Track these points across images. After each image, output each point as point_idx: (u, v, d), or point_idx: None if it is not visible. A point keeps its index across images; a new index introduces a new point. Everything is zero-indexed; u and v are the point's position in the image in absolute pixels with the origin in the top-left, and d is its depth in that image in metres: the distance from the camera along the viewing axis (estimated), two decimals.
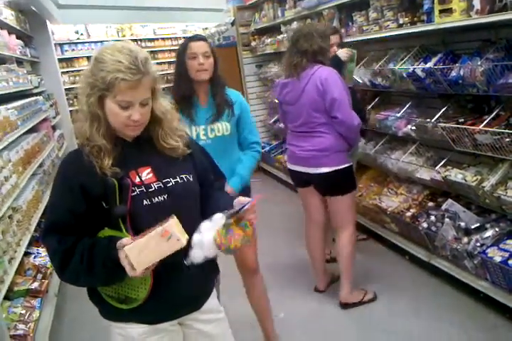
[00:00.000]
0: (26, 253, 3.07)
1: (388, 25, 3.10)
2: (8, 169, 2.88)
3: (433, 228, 2.84)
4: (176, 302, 1.39)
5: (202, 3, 9.56)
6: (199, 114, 2.21)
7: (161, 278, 1.30)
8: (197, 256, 1.27)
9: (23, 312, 2.56)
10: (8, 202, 2.69)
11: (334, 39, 3.00)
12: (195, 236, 1.27)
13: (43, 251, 3.26)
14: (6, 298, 2.54)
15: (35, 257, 3.16)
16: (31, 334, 2.43)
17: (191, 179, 1.43)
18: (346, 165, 2.67)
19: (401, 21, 2.97)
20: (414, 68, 2.88)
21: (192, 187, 1.43)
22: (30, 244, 3.15)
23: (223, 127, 2.24)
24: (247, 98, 5.90)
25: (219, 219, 1.29)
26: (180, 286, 1.38)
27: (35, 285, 2.85)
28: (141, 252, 1.17)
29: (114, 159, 1.31)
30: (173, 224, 1.18)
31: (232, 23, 6.10)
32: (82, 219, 1.30)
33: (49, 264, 3.14)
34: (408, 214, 3.06)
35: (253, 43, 5.91)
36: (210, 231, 1.27)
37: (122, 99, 1.25)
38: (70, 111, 6.73)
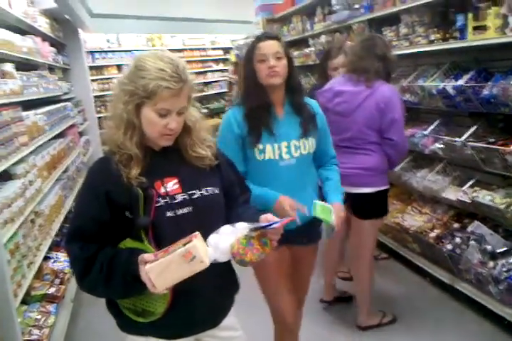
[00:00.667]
0: (45, 258, 3.09)
1: (419, 41, 3.07)
2: (33, 173, 2.92)
3: (457, 250, 2.75)
4: (194, 318, 1.37)
5: (231, 15, 9.71)
6: (278, 128, 1.88)
7: (180, 294, 1.28)
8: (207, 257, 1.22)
9: (39, 317, 2.57)
10: (31, 206, 2.72)
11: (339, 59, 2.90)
12: (213, 237, 1.26)
13: (62, 255, 3.28)
14: (23, 302, 2.55)
15: (54, 262, 3.18)
16: (45, 340, 2.43)
17: (217, 192, 1.41)
18: (386, 188, 2.57)
19: (432, 37, 2.94)
20: (445, 85, 2.83)
21: (217, 200, 1.41)
22: (50, 249, 3.17)
23: (310, 143, 1.93)
24: None
25: (242, 228, 1.27)
26: (200, 302, 1.36)
27: (52, 290, 2.87)
28: (162, 272, 1.14)
29: (142, 168, 1.31)
30: (197, 246, 1.14)
31: None
32: (105, 227, 1.29)
33: (67, 269, 3.16)
34: (432, 234, 2.98)
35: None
36: (229, 236, 1.26)
37: (162, 107, 1.26)
38: (98, 117, 6.85)
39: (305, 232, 1.99)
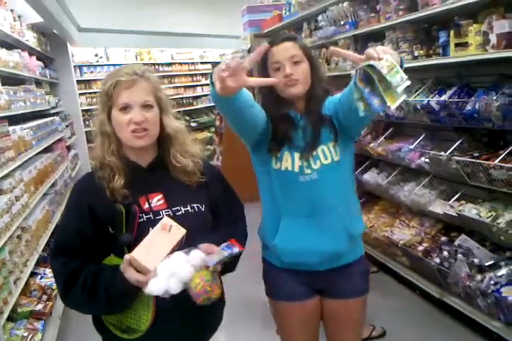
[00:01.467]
0: (33, 274, 3.05)
1: (403, 57, 3.12)
2: (19, 188, 2.90)
3: (445, 264, 2.76)
4: (178, 335, 1.36)
5: (219, 30, 9.80)
6: (300, 136, 1.58)
7: (163, 312, 1.28)
8: (158, 286, 1.13)
9: (25, 334, 2.53)
10: (17, 222, 2.70)
11: None
12: (166, 263, 1.15)
13: (49, 271, 3.24)
14: (10, 319, 2.51)
15: (41, 278, 3.14)
16: None
17: (203, 209, 1.39)
18: None
19: (416, 53, 3.00)
20: (429, 100, 2.88)
21: (202, 218, 1.39)
22: (37, 264, 3.13)
23: (329, 150, 1.57)
24: None
25: (197, 258, 1.18)
26: (184, 320, 1.35)
27: (40, 307, 2.83)
28: (148, 251, 1.15)
29: (126, 183, 1.31)
30: (168, 219, 1.21)
31: (249, 51, 6.19)
32: (89, 242, 1.29)
33: (54, 286, 3.12)
34: (420, 248, 3.00)
35: None
36: (185, 265, 1.16)
37: (121, 101, 1.29)
38: (86, 131, 6.83)
39: (343, 279, 1.67)
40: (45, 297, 2.97)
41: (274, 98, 1.58)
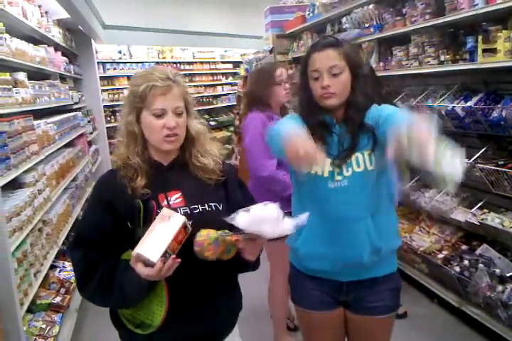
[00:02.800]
0: (52, 267, 3.09)
1: (429, 62, 3.09)
2: (42, 182, 2.94)
3: (466, 273, 2.72)
4: (192, 333, 1.36)
5: (241, 30, 9.82)
6: (336, 142, 1.54)
7: (177, 307, 1.29)
8: (243, 220, 1.19)
9: (44, 326, 2.56)
10: (39, 215, 2.73)
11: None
12: (256, 205, 1.22)
13: (68, 265, 3.29)
14: (29, 310, 2.55)
15: (60, 271, 3.18)
16: None
17: (220, 208, 1.39)
18: None
19: (442, 58, 2.96)
20: (454, 106, 2.85)
21: (219, 217, 1.35)
22: (56, 258, 3.18)
23: (364, 158, 1.51)
24: None
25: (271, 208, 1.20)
26: (197, 320, 1.35)
27: (58, 299, 2.86)
28: (150, 245, 1.17)
29: (147, 181, 1.33)
30: (166, 209, 1.23)
31: (271, 51, 6.19)
32: (108, 236, 1.31)
33: (73, 279, 3.15)
34: (440, 256, 2.96)
35: (290, 71, 5.97)
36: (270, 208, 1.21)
37: (155, 107, 1.31)
38: (107, 127, 6.91)
39: (370, 295, 1.59)
40: (63, 290, 3.01)
41: (312, 104, 1.54)
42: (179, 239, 1.20)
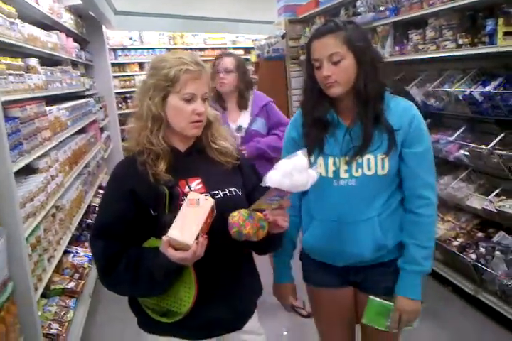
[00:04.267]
0: (65, 252, 3.12)
1: (446, 45, 3.01)
2: (55, 168, 2.95)
3: (482, 260, 2.69)
4: (217, 319, 1.35)
5: (253, 15, 9.70)
6: (340, 140, 1.48)
7: (203, 295, 1.28)
8: (274, 177, 1.19)
9: (58, 311, 2.59)
10: (52, 201, 2.74)
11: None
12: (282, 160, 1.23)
13: (81, 250, 3.31)
14: (43, 295, 2.57)
15: (73, 256, 3.21)
16: (64, 335, 2.45)
17: (240, 193, 1.40)
18: None
19: (460, 42, 2.89)
20: (472, 91, 2.78)
21: (239, 201, 1.38)
22: (69, 243, 3.20)
23: (376, 162, 1.45)
24: (291, 111, 5.87)
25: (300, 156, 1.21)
26: (223, 304, 1.35)
27: (72, 285, 2.89)
28: (182, 228, 1.17)
29: (168, 168, 1.32)
30: (193, 193, 1.23)
31: (283, 36, 6.11)
32: (129, 225, 1.30)
33: (86, 264, 3.18)
34: (455, 243, 2.93)
35: (302, 57, 5.89)
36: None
37: (187, 91, 1.30)
38: (119, 114, 6.91)
39: (377, 275, 1.57)
40: (77, 275, 3.04)
41: (316, 94, 1.49)
42: (208, 222, 1.21)
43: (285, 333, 2.70)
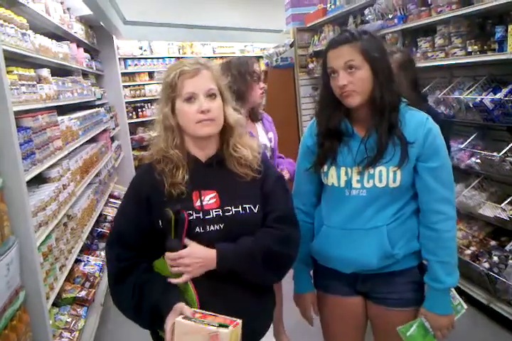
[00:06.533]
0: (76, 261, 3.13)
1: (455, 53, 3.01)
2: (66, 177, 2.97)
3: (495, 269, 2.66)
4: None
5: (262, 24, 9.76)
6: (354, 150, 1.47)
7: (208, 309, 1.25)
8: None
9: (69, 320, 2.60)
10: (64, 210, 2.76)
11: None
12: None
13: (92, 259, 3.32)
14: (54, 304, 2.58)
15: (84, 265, 3.22)
16: None
17: (255, 211, 1.34)
18: None
19: (469, 49, 2.88)
20: (483, 98, 2.77)
21: (252, 219, 1.33)
22: (81, 252, 3.21)
23: (387, 174, 1.43)
24: (300, 120, 5.87)
25: None
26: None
27: (83, 293, 2.90)
28: (185, 334, 1.15)
29: (185, 176, 1.31)
30: (228, 335, 1.11)
31: (291, 45, 6.14)
32: (144, 233, 1.30)
33: (97, 273, 3.19)
34: (468, 252, 2.90)
35: (310, 65, 5.90)
36: None
37: (186, 91, 1.28)
38: (129, 123, 6.96)
39: (384, 285, 1.54)
40: (88, 284, 3.05)
41: (332, 104, 1.47)
42: None
43: None
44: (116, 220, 1.40)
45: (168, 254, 1.26)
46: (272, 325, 1.48)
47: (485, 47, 2.79)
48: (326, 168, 1.51)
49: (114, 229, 1.39)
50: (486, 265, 2.73)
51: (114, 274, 1.31)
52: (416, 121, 1.44)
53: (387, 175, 1.43)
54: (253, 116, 2.35)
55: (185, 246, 1.26)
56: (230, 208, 1.31)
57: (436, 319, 1.48)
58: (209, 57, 9.48)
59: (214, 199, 1.32)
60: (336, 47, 1.41)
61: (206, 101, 1.28)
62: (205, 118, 1.28)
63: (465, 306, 1.56)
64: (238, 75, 2.17)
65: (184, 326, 1.14)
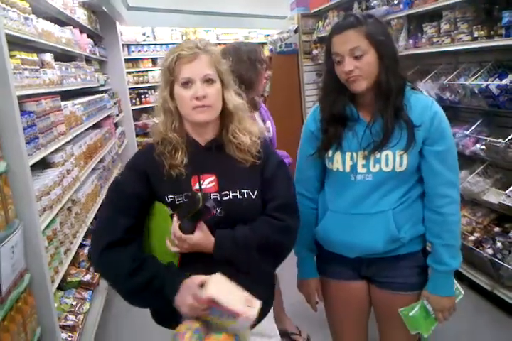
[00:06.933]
0: (81, 245, 3.15)
1: (461, 38, 2.97)
2: (70, 162, 2.97)
3: (499, 255, 2.66)
4: None
5: (266, 10, 9.65)
6: (359, 135, 1.46)
7: None
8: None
9: (74, 303, 2.63)
10: (68, 194, 2.77)
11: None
12: None
13: None
14: (60, 288, 2.61)
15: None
16: (80, 326, 2.48)
17: (253, 196, 1.33)
18: None
19: (476, 34, 2.85)
20: (488, 84, 2.74)
21: (250, 205, 1.33)
22: (85, 236, 3.23)
23: (394, 158, 1.43)
24: (304, 106, 5.84)
25: None
26: None
27: (88, 277, 2.93)
28: (223, 290, 1.15)
29: (184, 159, 1.32)
30: (258, 304, 1.17)
31: (295, 31, 6.08)
32: (143, 204, 1.31)
33: None
34: (471, 238, 2.90)
35: (315, 51, 5.85)
36: None
37: (182, 76, 1.27)
38: (133, 110, 6.95)
39: (389, 269, 1.56)
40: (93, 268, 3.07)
41: (337, 90, 1.46)
42: None
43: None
44: (113, 189, 1.38)
45: (177, 232, 1.24)
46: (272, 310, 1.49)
47: (491, 32, 2.75)
48: (330, 153, 1.50)
49: (109, 198, 1.37)
50: (490, 251, 2.73)
51: (110, 239, 1.28)
52: (422, 105, 1.44)
53: (393, 159, 1.43)
54: (252, 105, 2.24)
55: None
56: (228, 193, 1.31)
57: (439, 300, 1.50)
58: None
59: (213, 183, 1.32)
60: (340, 32, 1.39)
61: (202, 87, 1.27)
62: (199, 105, 1.27)
63: (462, 291, 1.58)
64: (249, 63, 2.09)
65: (225, 283, 1.16)
